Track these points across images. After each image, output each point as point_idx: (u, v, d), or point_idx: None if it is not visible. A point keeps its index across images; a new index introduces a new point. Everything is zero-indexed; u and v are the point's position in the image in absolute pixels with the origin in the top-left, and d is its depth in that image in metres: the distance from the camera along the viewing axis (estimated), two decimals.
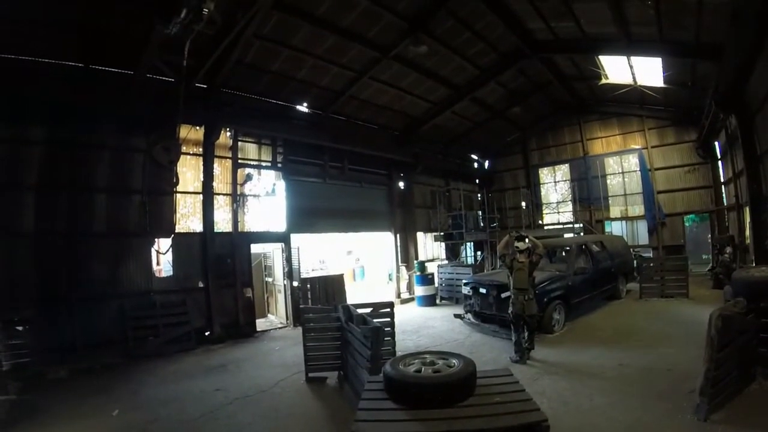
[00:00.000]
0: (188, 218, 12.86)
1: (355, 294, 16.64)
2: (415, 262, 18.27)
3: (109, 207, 11.17)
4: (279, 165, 15.10)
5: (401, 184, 19.86)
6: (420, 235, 20.86)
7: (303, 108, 15.64)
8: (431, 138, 20.88)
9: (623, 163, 22.01)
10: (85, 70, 10.71)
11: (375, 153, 17.91)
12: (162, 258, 13.06)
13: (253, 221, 14.49)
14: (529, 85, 19.33)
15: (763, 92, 9.81)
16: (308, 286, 13.84)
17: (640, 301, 13.60)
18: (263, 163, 14.85)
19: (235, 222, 13.57)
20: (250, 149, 14.52)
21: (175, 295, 11.85)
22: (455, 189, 22.18)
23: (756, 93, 10.35)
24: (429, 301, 16.54)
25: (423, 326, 12.74)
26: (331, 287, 14.20)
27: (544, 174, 24.97)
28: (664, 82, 15.76)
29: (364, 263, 25.52)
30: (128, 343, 10.57)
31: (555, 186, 24.70)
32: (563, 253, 14.24)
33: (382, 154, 18.28)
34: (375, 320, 7.07)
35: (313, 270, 21.01)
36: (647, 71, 15.63)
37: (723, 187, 18.05)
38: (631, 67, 15.51)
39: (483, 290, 11.52)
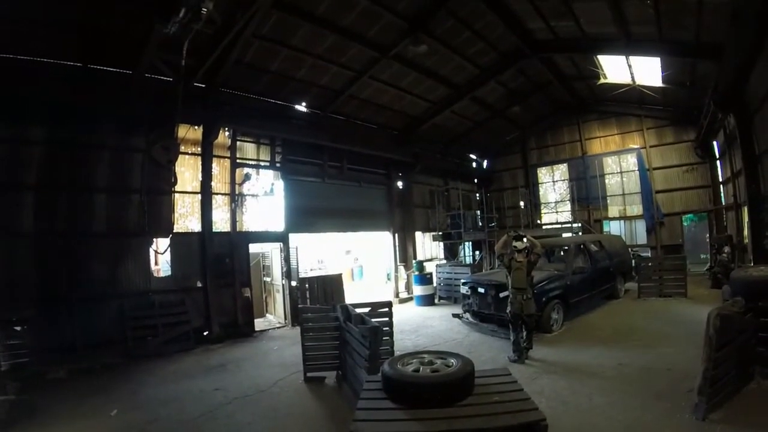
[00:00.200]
0: (187, 218, 12.85)
1: (354, 294, 16.63)
2: (414, 261, 18.28)
3: (109, 207, 11.16)
4: (277, 165, 15.09)
5: (400, 184, 19.86)
6: (418, 234, 20.87)
7: (302, 108, 15.63)
8: (430, 137, 20.88)
9: (622, 163, 22.03)
10: (84, 70, 10.69)
11: (374, 152, 17.90)
12: (160, 258, 13.04)
13: (251, 221, 14.48)
14: (528, 85, 19.34)
15: (762, 92, 9.82)
16: (306, 285, 13.80)
17: (638, 301, 13.62)
18: (262, 163, 14.84)
19: (234, 222, 13.56)
20: (248, 149, 14.51)
21: (174, 295, 11.84)
22: (454, 188, 22.15)
23: (755, 93, 10.35)
24: (427, 300, 16.54)
25: (421, 326, 12.75)
26: (329, 287, 14.17)
27: (543, 173, 25.01)
28: (663, 82, 15.77)
29: (362, 263, 25.53)
30: (127, 343, 10.56)
31: (553, 186, 24.74)
32: (561, 253, 14.25)
33: (381, 153, 18.28)
34: (373, 320, 7.07)
35: (311, 270, 21.03)
36: (646, 71, 15.65)
37: (721, 186, 18.08)
38: (629, 66, 15.53)
39: (481, 290, 11.53)
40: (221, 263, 12.87)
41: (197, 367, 9.75)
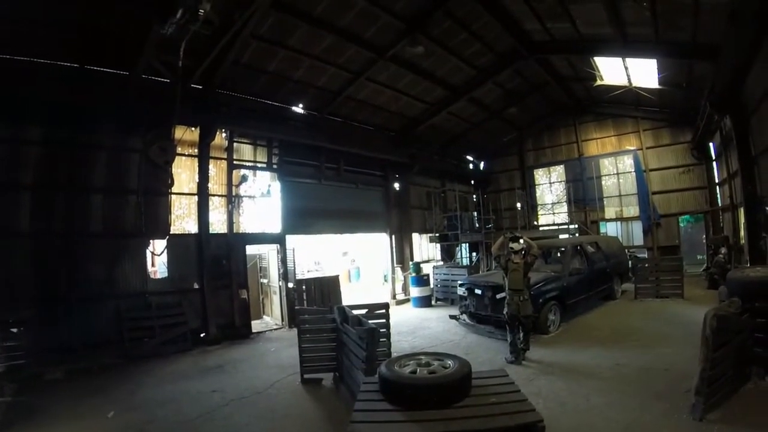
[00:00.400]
0: (183, 219, 12.83)
1: (351, 295, 16.61)
2: (411, 263, 18.26)
3: (106, 207, 11.14)
4: (274, 166, 15.08)
5: (397, 185, 19.83)
6: (415, 236, 20.88)
7: (299, 109, 15.63)
8: (427, 139, 20.88)
9: (618, 164, 22.10)
10: (81, 71, 10.67)
11: (371, 154, 17.92)
12: (157, 259, 13.02)
13: (248, 222, 14.47)
14: (525, 86, 19.37)
15: (759, 93, 9.85)
16: (303, 287, 13.77)
17: (635, 302, 13.64)
18: (259, 164, 14.83)
19: (231, 223, 13.54)
20: (245, 150, 14.50)
21: (171, 297, 11.83)
22: (451, 190, 22.19)
23: (752, 94, 10.38)
24: (424, 302, 16.53)
25: (418, 327, 12.74)
26: (326, 288, 14.15)
27: (540, 175, 25.09)
28: (659, 84, 15.81)
29: (359, 264, 25.49)
30: (125, 344, 10.54)
31: (550, 187, 24.82)
32: (558, 254, 14.23)
33: (378, 155, 18.29)
34: (370, 321, 7.07)
35: (308, 271, 20.98)
36: (642, 72, 15.69)
37: (717, 187, 18.12)
38: (626, 68, 15.58)
39: (478, 291, 11.52)
40: (218, 265, 12.85)
41: (194, 368, 9.73)
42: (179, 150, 12.03)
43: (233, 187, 13.84)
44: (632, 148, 21.08)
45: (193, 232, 12.77)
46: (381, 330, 7.18)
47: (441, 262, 20.63)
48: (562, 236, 20.07)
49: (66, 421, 6.74)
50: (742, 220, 12.69)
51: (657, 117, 20.15)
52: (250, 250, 14.58)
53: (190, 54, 9.92)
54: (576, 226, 21.53)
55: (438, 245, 21.81)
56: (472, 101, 18.97)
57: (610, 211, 22.30)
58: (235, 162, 13.96)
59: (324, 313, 8.74)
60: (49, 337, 9.73)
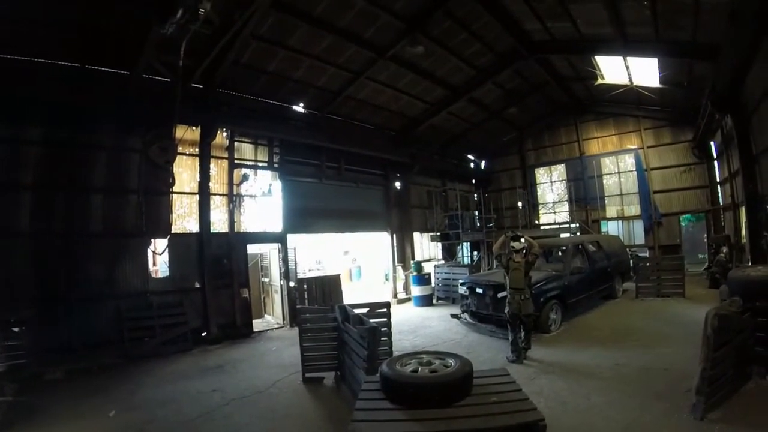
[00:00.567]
0: (184, 219, 12.83)
1: (352, 294, 16.60)
2: (412, 262, 18.29)
3: (106, 207, 11.14)
4: (275, 165, 15.08)
5: (398, 185, 19.85)
6: (416, 235, 20.89)
7: (300, 108, 15.62)
8: (428, 138, 20.86)
9: (619, 163, 22.08)
10: (82, 71, 10.67)
11: (372, 153, 17.92)
12: (158, 258, 13.03)
13: (249, 222, 14.47)
14: (525, 86, 19.33)
15: (759, 92, 9.84)
16: (305, 286, 13.79)
17: (636, 301, 13.64)
18: (259, 164, 14.83)
19: (232, 222, 13.54)
20: (246, 149, 14.50)
21: (172, 296, 11.82)
22: (452, 189, 22.16)
23: (753, 93, 10.37)
24: (426, 301, 16.54)
25: (420, 326, 12.75)
26: (327, 287, 14.16)
27: (541, 174, 25.06)
28: (660, 83, 15.79)
29: (360, 263, 25.51)
30: (125, 344, 10.54)
31: (551, 186, 24.80)
32: (560, 253, 14.26)
33: (378, 154, 18.29)
34: (372, 320, 7.07)
35: (309, 270, 21.00)
36: (643, 72, 15.67)
37: (719, 186, 18.11)
38: (627, 67, 15.56)
39: (479, 290, 11.52)
40: (219, 264, 12.85)
41: (195, 367, 9.73)
42: (180, 149, 12.05)
43: (234, 187, 13.84)
44: (633, 147, 21.06)
45: (194, 231, 12.77)
46: (382, 329, 7.19)
47: (442, 261, 20.64)
48: (563, 235, 20.08)
49: (66, 421, 6.74)
50: (744, 219, 12.66)
51: (658, 116, 20.12)
52: (251, 249, 14.58)
53: (190, 54, 9.92)
54: (577, 225, 21.53)
55: (439, 244, 21.80)
56: (472, 101, 18.96)
57: (611, 210, 22.27)
58: (236, 161, 13.96)
59: (325, 312, 8.75)
60: (50, 337, 9.75)
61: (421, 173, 20.93)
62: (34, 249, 10.03)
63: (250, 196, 14.68)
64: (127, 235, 11.36)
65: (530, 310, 8.84)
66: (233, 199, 13.68)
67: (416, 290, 16.76)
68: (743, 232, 13.16)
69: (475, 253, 23.10)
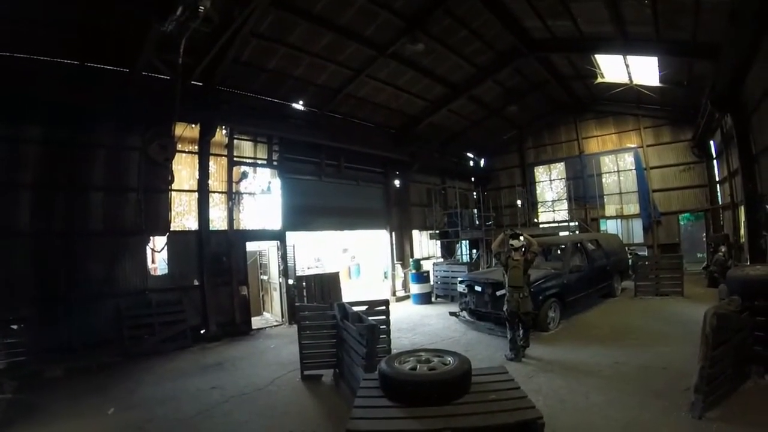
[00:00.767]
0: (184, 216, 12.82)
1: (351, 292, 16.62)
2: (411, 260, 18.28)
3: (106, 205, 11.13)
4: (275, 163, 15.07)
5: (397, 182, 19.87)
6: (416, 233, 20.88)
7: (300, 106, 15.61)
8: (428, 136, 20.84)
9: (619, 162, 22.08)
10: (81, 69, 10.65)
11: (371, 151, 17.90)
12: (157, 256, 13.02)
13: (248, 219, 14.44)
14: (525, 84, 19.34)
15: (759, 92, 9.84)
16: (304, 284, 13.81)
17: (635, 299, 13.66)
18: (259, 161, 14.82)
19: (231, 220, 13.53)
20: (245, 147, 14.48)
21: (171, 294, 11.82)
22: (451, 187, 22.20)
23: (753, 93, 10.38)
24: (424, 299, 16.54)
25: (418, 324, 12.76)
26: (326, 285, 14.17)
27: (540, 172, 25.05)
28: (660, 81, 15.79)
29: (359, 261, 25.50)
30: (124, 342, 10.53)
31: (551, 184, 24.79)
32: (558, 252, 14.25)
33: (378, 152, 18.27)
34: (370, 318, 7.09)
35: (308, 268, 20.98)
36: (643, 70, 15.66)
37: (718, 186, 18.13)
38: (627, 66, 15.54)
39: (478, 288, 11.52)
40: (218, 261, 12.84)
41: (194, 365, 9.74)
42: (179, 147, 12.08)
43: (233, 184, 13.82)
44: (633, 145, 21.06)
45: (193, 228, 12.76)
46: (381, 327, 7.22)
47: (441, 259, 20.64)
48: (562, 233, 20.10)
49: (66, 419, 6.74)
50: (743, 218, 12.68)
51: (658, 115, 20.11)
52: (251, 246, 14.57)
53: (190, 51, 9.91)
54: (576, 223, 21.57)
55: (438, 242, 21.80)
56: (472, 99, 18.96)
57: (610, 209, 22.29)
58: (235, 159, 13.94)
59: (324, 309, 8.76)
60: (49, 335, 9.74)
61: (421, 171, 20.91)
62: (34, 248, 10.02)
63: (250, 193, 14.65)
64: (126, 233, 11.35)
65: (529, 308, 8.87)
66: (232, 197, 13.66)
67: (415, 288, 16.76)
68: (742, 231, 13.19)
69: (474, 251, 23.13)
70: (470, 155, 25.70)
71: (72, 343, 10.04)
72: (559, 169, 24.25)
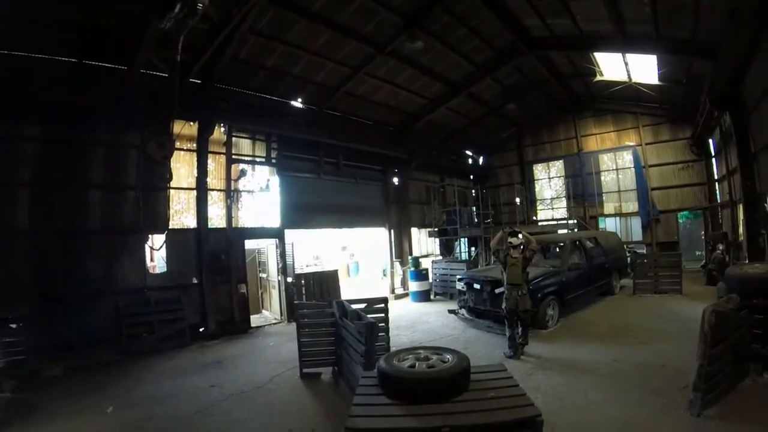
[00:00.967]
0: (182, 214, 12.82)
1: (350, 290, 16.64)
2: (410, 257, 18.29)
3: (104, 204, 11.12)
4: (273, 161, 15.06)
5: (396, 180, 19.88)
6: (414, 230, 20.87)
7: (298, 104, 15.60)
8: (426, 134, 20.84)
9: (617, 160, 22.11)
10: (80, 67, 10.62)
11: (370, 149, 17.90)
12: (156, 254, 13.00)
13: (247, 217, 14.44)
14: (524, 82, 19.33)
15: (759, 91, 9.84)
16: (302, 281, 13.79)
17: (633, 297, 13.68)
18: (257, 159, 14.79)
19: (230, 218, 13.52)
20: (244, 145, 14.47)
21: (170, 292, 11.81)
22: (450, 185, 22.22)
23: (752, 92, 10.38)
24: (423, 296, 16.54)
25: (417, 322, 12.76)
26: (325, 283, 14.15)
27: (539, 170, 25.09)
28: (659, 80, 15.79)
29: (358, 259, 25.49)
30: (123, 340, 10.53)
31: (549, 182, 24.82)
32: (557, 249, 14.24)
33: (377, 150, 18.26)
34: (369, 316, 7.08)
35: (307, 266, 20.95)
36: (642, 68, 15.65)
37: (717, 184, 18.14)
38: (626, 64, 15.53)
39: (477, 286, 11.52)
40: (217, 259, 12.82)
41: (193, 363, 9.73)
42: (178, 145, 12.04)
43: (232, 182, 13.81)
44: (632, 143, 21.09)
45: (191, 226, 12.76)
46: (380, 324, 7.21)
47: (440, 257, 20.64)
48: (560, 231, 20.14)
49: (65, 418, 6.72)
50: (741, 216, 12.71)
51: (657, 113, 20.13)
52: (249, 244, 14.56)
53: (188, 49, 9.88)
54: (575, 221, 21.59)
55: (437, 240, 21.82)
56: (471, 97, 18.95)
57: (609, 207, 22.33)
58: (233, 156, 13.92)
59: (323, 307, 8.76)
60: (48, 334, 9.74)
61: (420, 169, 20.92)
62: (33, 246, 10.01)
63: (248, 191, 14.63)
64: (124, 231, 11.34)
65: (528, 306, 8.89)
66: (231, 195, 13.65)
67: (414, 286, 16.76)
68: (741, 229, 13.22)
69: (473, 248, 23.17)
70: (469, 153, 25.72)
71: (71, 341, 10.02)
72: (557, 167, 24.27)
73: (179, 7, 7.85)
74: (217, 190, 13.48)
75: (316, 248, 23.66)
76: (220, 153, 13.57)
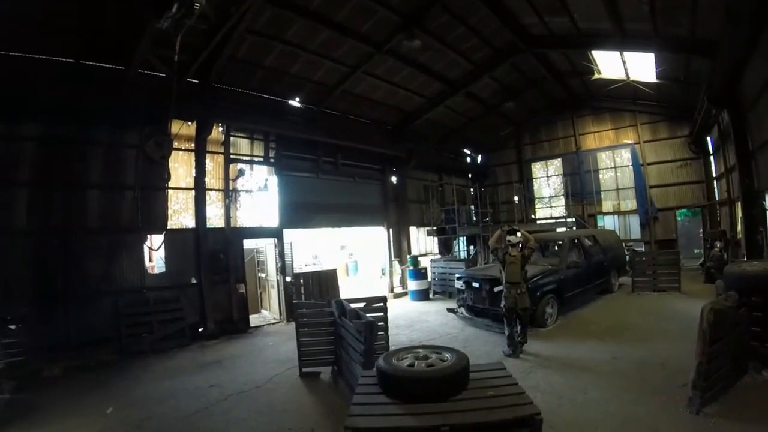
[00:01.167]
0: (180, 214, 12.81)
1: (349, 289, 16.66)
2: (408, 256, 18.32)
3: (103, 203, 11.10)
4: (271, 160, 15.04)
5: (394, 179, 19.88)
6: (413, 229, 20.88)
7: (296, 103, 15.61)
8: (425, 133, 20.87)
9: (616, 158, 22.14)
10: (78, 67, 10.62)
11: (368, 148, 17.88)
12: (155, 254, 13.00)
13: (245, 217, 14.43)
14: (522, 81, 19.36)
15: (756, 89, 9.86)
16: (301, 281, 13.80)
17: (632, 295, 13.68)
18: (256, 159, 14.78)
19: (228, 217, 13.51)
20: (242, 144, 14.45)
21: (169, 292, 11.80)
22: (448, 184, 22.23)
23: (750, 90, 10.40)
24: (422, 295, 16.54)
25: (416, 321, 12.76)
26: (324, 282, 14.16)
27: (537, 169, 25.10)
28: (657, 78, 15.81)
29: (357, 258, 25.48)
30: (122, 340, 10.53)
31: (547, 180, 24.84)
32: (556, 248, 14.27)
33: (375, 149, 18.25)
34: (368, 315, 7.07)
35: (306, 265, 20.95)
36: (640, 66, 15.65)
37: (715, 182, 18.19)
38: (624, 62, 15.54)
39: (476, 284, 11.52)
40: (216, 259, 12.81)
41: (192, 363, 9.72)
42: (176, 144, 12.04)
43: (230, 182, 13.79)
44: (630, 141, 21.10)
45: (190, 226, 12.75)
46: (379, 323, 7.21)
47: (439, 256, 20.65)
48: (559, 229, 20.16)
49: (64, 418, 6.71)
50: (739, 214, 12.71)
51: (655, 111, 20.16)
52: (248, 244, 14.55)
53: (186, 49, 9.85)
54: (573, 219, 21.61)
55: (436, 239, 21.79)
56: (469, 96, 18.94)
57: (607, 205, 22.35)
58: (232, 156, 13.91)
59: (322, 306, 8.77)
60: (47, 333, 9.72)
61: (418, 168, 20.91)
62: (32, 246, 10.00)
63: (247, 191, 14.63)
64: (123, 231, 11.32)
65: (526, 305, 8.91)
66: (229, 195, 13.63)
67: (413, 285, 16.76)
68: (739, 227, 13.24)
69: (472, 247, 23.17)
70: (467, 152, 25.74)
71: (70, 341, 10.00)
72: (556, 165, 24.28)
73: (176, 7, 7.83)
74: (216, 190, 13.46)
75: (314, 248, 23.66)
76: (218, 153, 13.55)
